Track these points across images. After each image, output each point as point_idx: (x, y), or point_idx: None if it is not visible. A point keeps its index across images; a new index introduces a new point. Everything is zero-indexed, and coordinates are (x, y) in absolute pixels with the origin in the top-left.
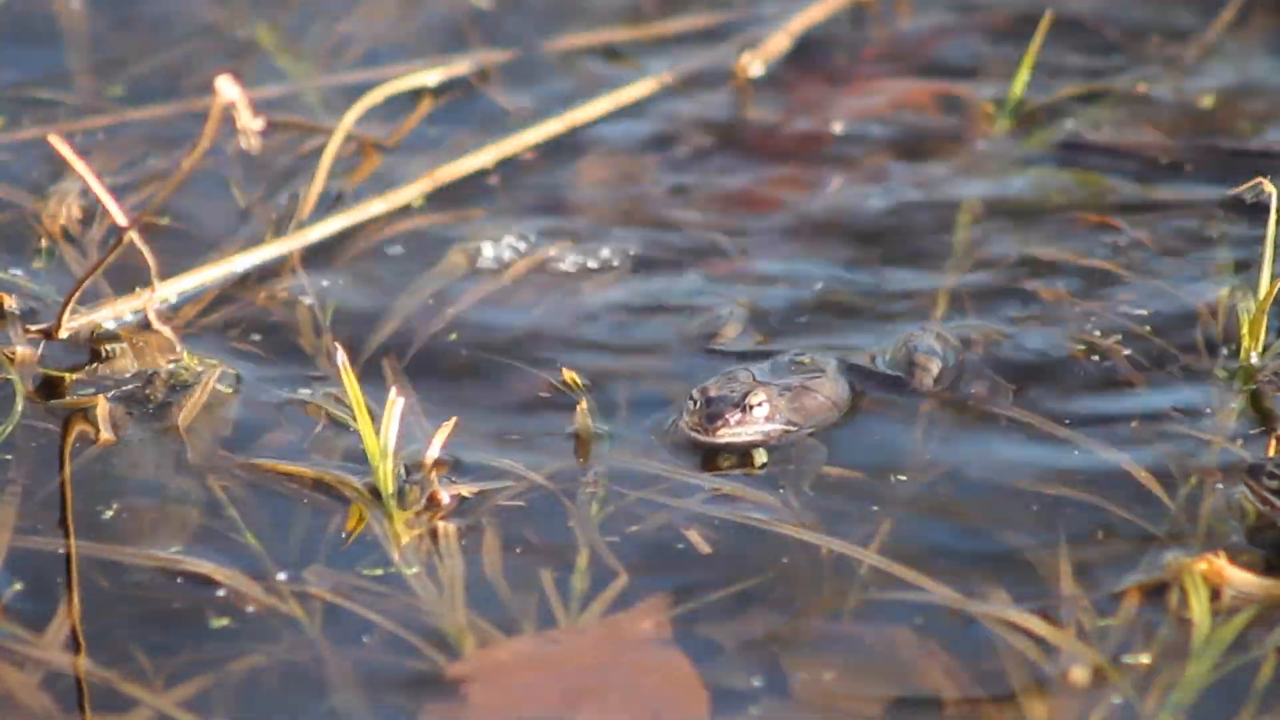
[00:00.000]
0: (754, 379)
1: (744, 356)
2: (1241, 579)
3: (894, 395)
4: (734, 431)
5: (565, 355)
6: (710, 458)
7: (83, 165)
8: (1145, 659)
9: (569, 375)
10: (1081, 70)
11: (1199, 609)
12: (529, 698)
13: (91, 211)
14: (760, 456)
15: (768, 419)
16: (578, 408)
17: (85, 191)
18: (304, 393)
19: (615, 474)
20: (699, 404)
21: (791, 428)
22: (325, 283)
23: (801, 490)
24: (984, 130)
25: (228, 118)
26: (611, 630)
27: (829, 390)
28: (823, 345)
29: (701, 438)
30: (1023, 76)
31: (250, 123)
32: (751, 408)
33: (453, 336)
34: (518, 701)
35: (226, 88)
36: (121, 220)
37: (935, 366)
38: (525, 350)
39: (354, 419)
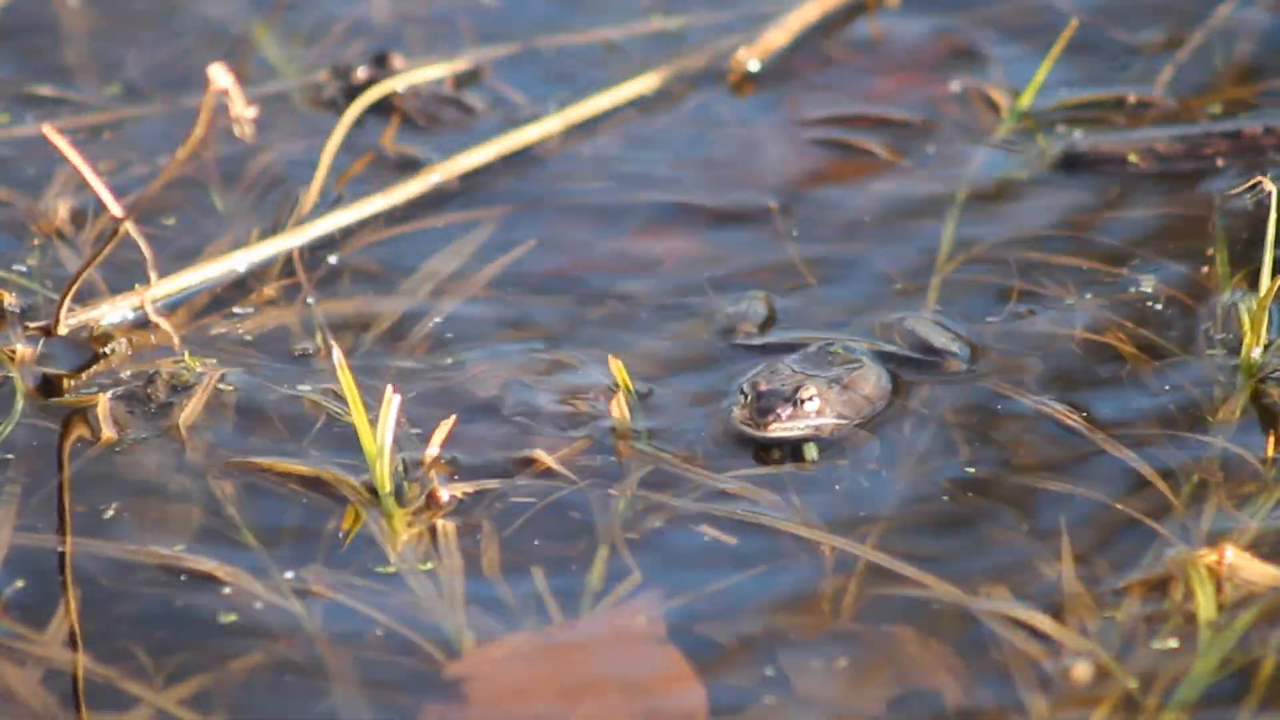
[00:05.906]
0: (796, 371)
1: (766, 349)
2: (1249, 567)
3: (929, 378)
4: (785, 426)
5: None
6: (761, 451)
7: (78, 157)
8: (1147, 650)
9: (615, 365)
10: (1090, 75)
11: (1205, 603)
12: (528, 695)
13: (86, 208)
14: (811, 451)
15: (818, 413)
16: (615, 399)
17: (81, 187)
18: (303, 391)
19: (633, 468)
20: (750, 398)
21: (843, 421)
22: (325, 279)
23: (858, 483)
24: (988, 129)
25: (224, 116)
26: (611, 627)
27: (874, 381)
28: (830, 335)
29: (753, 432)
30: (1038, 81)
31: (243, 110)
32: (803, 402)
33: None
34: (517, 699)
35: (219, 75)
36: (116, 210)
37: (959, 350)
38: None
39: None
